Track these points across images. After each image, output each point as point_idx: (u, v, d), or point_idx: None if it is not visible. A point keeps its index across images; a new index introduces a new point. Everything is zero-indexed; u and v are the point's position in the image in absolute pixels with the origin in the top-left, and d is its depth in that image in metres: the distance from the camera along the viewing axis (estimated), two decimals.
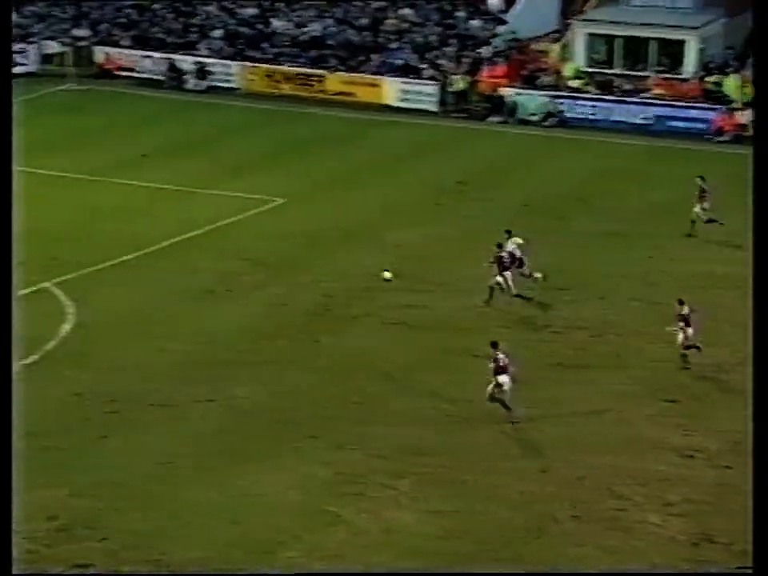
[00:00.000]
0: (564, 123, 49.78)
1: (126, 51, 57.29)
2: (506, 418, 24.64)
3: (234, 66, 55.50)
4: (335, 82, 53.76)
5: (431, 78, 52.58)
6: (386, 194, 40.53)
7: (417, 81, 52.76)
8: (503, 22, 55.11)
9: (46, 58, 57.42)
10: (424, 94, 52.36)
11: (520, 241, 31.38)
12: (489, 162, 45.05)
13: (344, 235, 36.22)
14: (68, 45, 57.01)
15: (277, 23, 58.12)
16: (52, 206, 38.50)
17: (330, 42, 56.15)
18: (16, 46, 56.28)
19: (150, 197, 39.95)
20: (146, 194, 40.14)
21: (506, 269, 30.54)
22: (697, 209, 35.65)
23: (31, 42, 57.42)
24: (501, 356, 24.75)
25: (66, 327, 29.13)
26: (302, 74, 54.35)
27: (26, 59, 56.75)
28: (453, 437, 24.39)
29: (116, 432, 24.20)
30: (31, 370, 26.85)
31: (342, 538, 20.74)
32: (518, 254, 31.10)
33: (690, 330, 27.21)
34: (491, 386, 24.66)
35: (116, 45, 57.92)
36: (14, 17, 58.78)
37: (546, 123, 49.97)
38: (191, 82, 55.26)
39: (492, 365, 24.66)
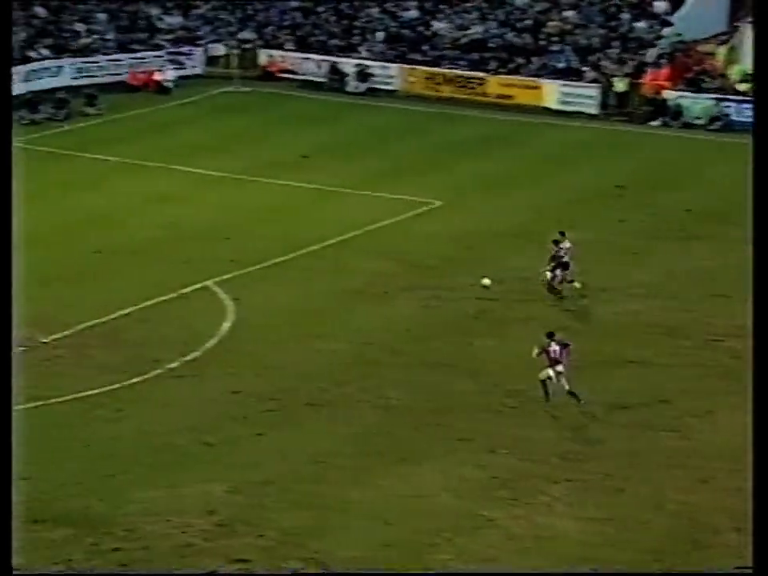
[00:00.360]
0: (730, 127, 48.71)
1: (289, 54, 58.08)
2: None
3: (394, 68, 55.76)
4: (495, 84, 53.60)
5: (593, 81, 52.05)
6: (543, 197, 40.20)
7: (578, 83, 52.28)
8: (669, 24, 54.25)
9: (212, 61, 58.51)
10: (585, 96, 51.84)
11: (568, 245, 31.42)
12: (650, 165, 44.40)
13: (501, 238, 36.04)
14: (234, 47, 58.02)
15: (438, 25, 58.20)
16: (214, 206, 39.16)
17: (490, 45, 56.01)
18: (184, 48, 57.82)
19: (309, 197, 40.35)
20: (305, 195, 40.56)
21: (559, 266, 30.97)
22: None
23: (198, 45, 58.60)
24: (554, 347, 24.79)
25: (226, 326, 29.59)
26: (462, 77, 54.33)
27: (193, 61, 58.01)
28: (609, 444, 24.06)
29: (272, 430, 24.49)
30: (192, 367, 27.35)
31: (493, 542, 20.61)
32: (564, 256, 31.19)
33: None
34: (553, 376, 24.84)
35: (280, 47, 58.78)
36: (181, 20, 60.33)
37: (712, 127, 49.03)
38: (351, 84, 55.72)
39: (547, 356, 24.88)
